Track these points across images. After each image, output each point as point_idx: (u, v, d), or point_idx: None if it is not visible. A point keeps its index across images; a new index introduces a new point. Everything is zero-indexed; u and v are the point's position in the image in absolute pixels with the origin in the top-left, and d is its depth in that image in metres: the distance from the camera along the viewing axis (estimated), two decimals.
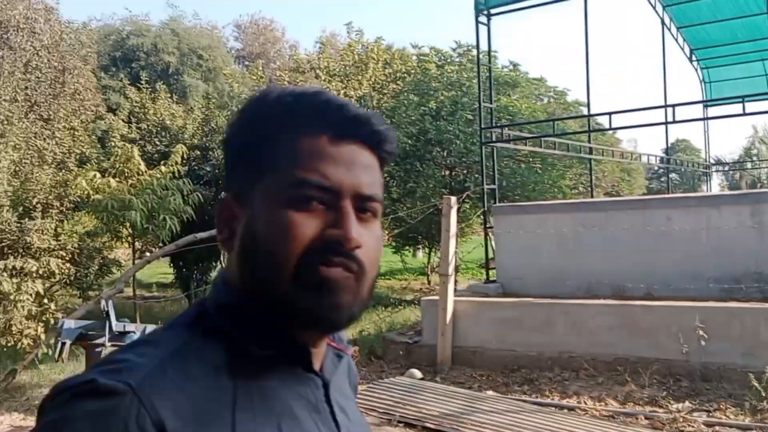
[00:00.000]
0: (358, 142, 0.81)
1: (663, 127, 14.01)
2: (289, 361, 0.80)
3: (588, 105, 12.34)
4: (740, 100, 8.94)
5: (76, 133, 13.29)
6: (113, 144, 12.41)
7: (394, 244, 17.34)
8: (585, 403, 5.86)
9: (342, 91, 15.23)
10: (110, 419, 0.67)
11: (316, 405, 0.82)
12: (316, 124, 0.80)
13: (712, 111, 16.37)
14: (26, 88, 12.41)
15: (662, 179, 20.32)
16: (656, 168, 19.66)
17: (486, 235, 10.13)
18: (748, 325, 6.04)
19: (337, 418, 0.84)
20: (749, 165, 33.85)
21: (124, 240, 11.75)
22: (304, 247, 0.76)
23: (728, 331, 5.99)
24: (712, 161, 20.17)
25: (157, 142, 14.19)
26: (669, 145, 17.83)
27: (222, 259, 10.14)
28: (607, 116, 9.69)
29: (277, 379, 0.79)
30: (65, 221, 11.34)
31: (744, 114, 8.61)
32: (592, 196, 13.31)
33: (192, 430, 0.69)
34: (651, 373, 6.11)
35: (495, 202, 10.17)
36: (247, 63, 34.58)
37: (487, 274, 9.91)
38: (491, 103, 10.97)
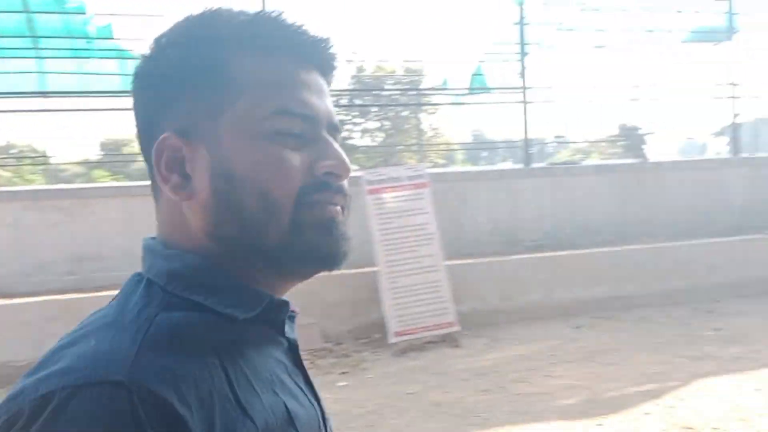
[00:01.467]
0: (317, 67, 0.75)
1: None
2: (266, 323, 0.72)
3: None
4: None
5: None
6: None
7: None
8: None
9: None
10: (113, 425, 0.53)
11: (290, 369, 0.75)
12: (284, 46, 0.71)
13: None
14: None
15: None
16: None
17: None
18: None
19: (311, 381, 0.78)
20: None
21: None
22: (300, 184, 0.69)
23: None
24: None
25: None
26: None
27: None
28: None
29: (253, 346, 0.70)
30: None
31: None
32: None
33: (203, 415, 0.58)
34: None
35: None
36: None
37: None
38: None
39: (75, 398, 0.55)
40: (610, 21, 16.28)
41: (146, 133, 0.73)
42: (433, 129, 30.40)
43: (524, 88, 9.60)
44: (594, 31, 16.93)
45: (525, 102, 9.52)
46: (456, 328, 6.68)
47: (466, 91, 17.44)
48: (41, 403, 0.55)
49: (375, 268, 6.91)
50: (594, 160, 16.55)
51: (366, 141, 29.72)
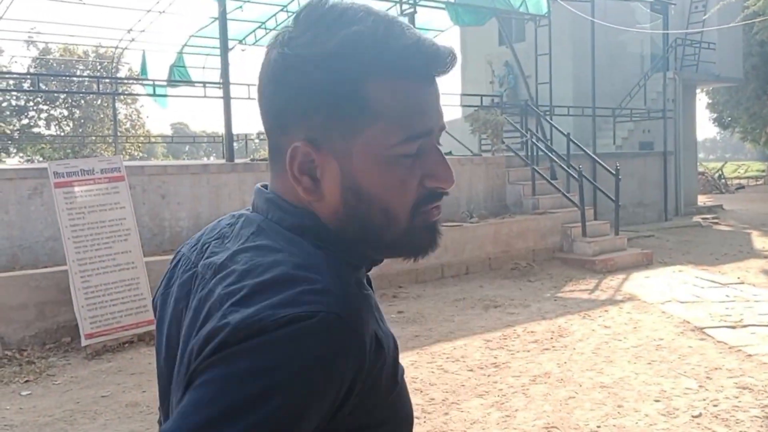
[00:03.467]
0: (437, 74, 0.80)
1: None
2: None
3: None
4: None
5: None
6: None
7: None
8: None
9: None
10: (338, 363, 0.67)
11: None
12: (414, 66, 0.76)
13: None
14: None
15: None
16: None
17: None
18: None
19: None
20: None
21: None
22: (415, 198, 0.79)
23: None
24: None
25: None
26: None
27: None
28: None
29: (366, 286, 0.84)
30: None
31: None
32: None
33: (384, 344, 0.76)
34: None
35: None
36: None
37: None
38: None
39: (307, 323, 0.67)
40: None
41: (276, 128, 0.81)
42: (130, 120, 28.81)
43: (226, 83, 9.61)
44: None
45: (227, 97, 9.53)
46: (155, 327, 6.46)
47: (166, 83, 16.99)
48: (288, 322, 0.66)
49: (64, 267, 6.41)
50: None
51: (53, 130, 27.08)
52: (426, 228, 0.83)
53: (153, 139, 32.39)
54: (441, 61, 0.79)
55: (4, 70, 24.45)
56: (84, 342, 6.14)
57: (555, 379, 5.24)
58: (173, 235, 8.44)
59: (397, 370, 0.82)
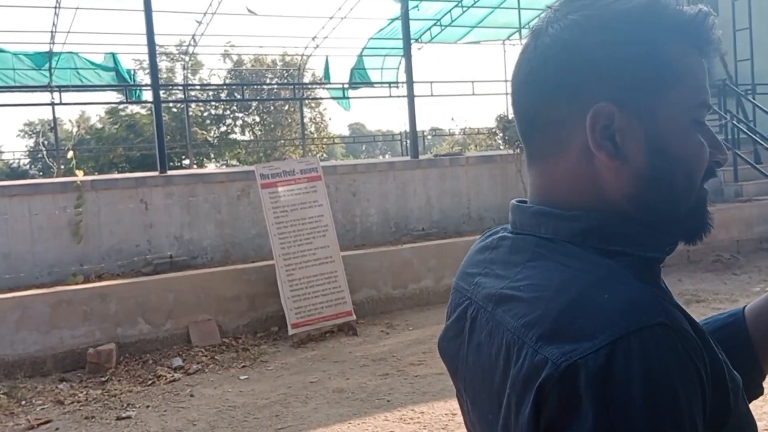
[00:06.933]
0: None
1: None
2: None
3: None
4: None
5: None
6: None
7: None
8: None
9: None
10: (691, 367, 0.64)
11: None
12: (707, 41, 0.79)
13: None
14: None
15: None
16: None
17: None
18: None
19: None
20: None
21: None
22: (704, 170, 0.78)
23: None
24: None
25: None
26: None
27: None
28: None
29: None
30: None
31: None
32: None
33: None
34: None
35: None
36: None
37: None
38: None
39: (636, 341, 0.62)
40: (483, 16, 16.93)
41: (563, 96, 0.77)
42: (315, 123, 30.35)
43: (410, 82, 9.84)
44: (470, 27, 17.57)
45: (411, 95, 9.76)
46: (353, 317, 6.83)
47: (348, 85, 17.71)
48: (608, 352, 0.62)
49: (270, 262, 6.92)
50: (475, 152, 17.20)
51: (247, 136, 29.21)
52: (704, 204, 0.81)
53: (335, 140, 33.89)
54: (716, 41, 0.79)
55: (205, 82, 26.76)
56: (290, 331, 6.60)
57: None
58: (364, 230, 8.80)
59: (724, 368, 0.72)
